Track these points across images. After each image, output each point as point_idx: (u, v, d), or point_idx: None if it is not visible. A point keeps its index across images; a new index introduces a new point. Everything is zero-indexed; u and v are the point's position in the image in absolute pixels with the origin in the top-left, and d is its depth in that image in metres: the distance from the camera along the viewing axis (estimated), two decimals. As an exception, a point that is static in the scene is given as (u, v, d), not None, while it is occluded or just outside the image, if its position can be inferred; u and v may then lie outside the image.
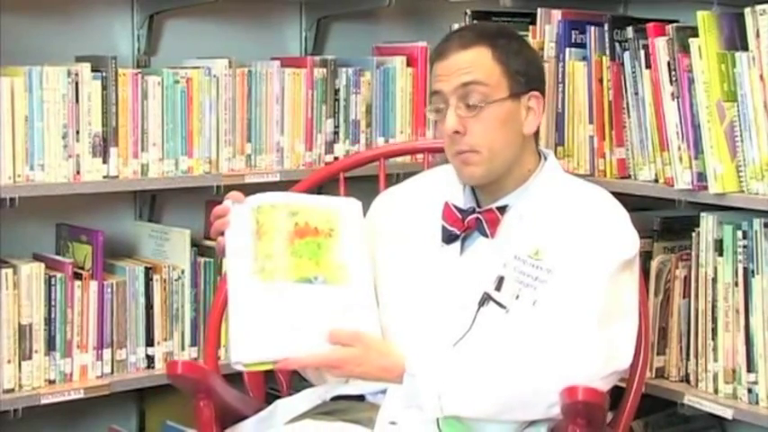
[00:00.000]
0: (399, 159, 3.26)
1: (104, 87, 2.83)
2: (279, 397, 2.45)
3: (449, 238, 2.26)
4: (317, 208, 2.24)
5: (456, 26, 3.11)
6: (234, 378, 2.61)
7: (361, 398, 2.25)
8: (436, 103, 2.25)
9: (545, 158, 2.33)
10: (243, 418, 2.34)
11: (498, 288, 2.19)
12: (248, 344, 2.08)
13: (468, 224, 2.25)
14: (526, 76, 2.25)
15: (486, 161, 2.23)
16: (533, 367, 2.12)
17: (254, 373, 2.50)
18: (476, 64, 2.22)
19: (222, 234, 2.20)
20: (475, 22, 3.08)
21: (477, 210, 2.26)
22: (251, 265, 2.14)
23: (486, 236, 2.23)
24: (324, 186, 3.25)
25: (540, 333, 2.13)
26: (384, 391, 2.18)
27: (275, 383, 2.57)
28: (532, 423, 2.18)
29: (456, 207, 2.27)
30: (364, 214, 2.35)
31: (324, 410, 2.23)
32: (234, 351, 2.09)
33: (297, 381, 2.44)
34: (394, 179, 2.86)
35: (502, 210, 2.24)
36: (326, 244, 2.20)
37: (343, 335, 2.12)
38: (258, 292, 2.13)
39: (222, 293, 2.55)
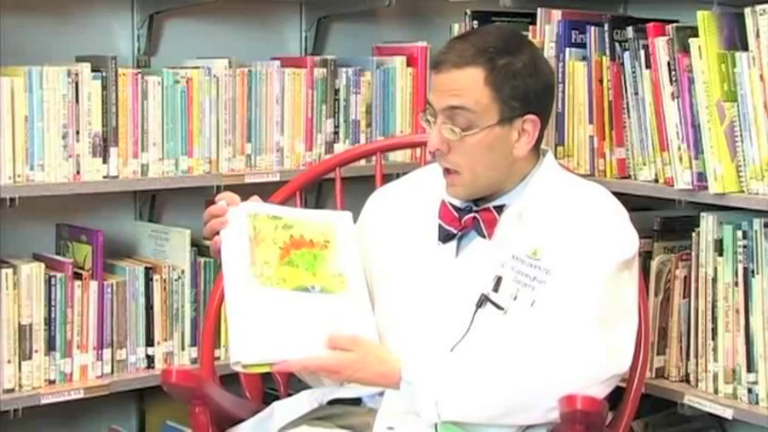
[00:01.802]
0: (399, 159, 3.26)
1: (104, 87, 2.83)
2: (277, 397, 2.45)
3: (445, 237, 2.25)
4: (310, 222, 2.25)
5: (456, 26, 3.13)
6: (231, 379, 2.61)
7: (358, 401, 2.24)
8: (428, 114, 2.22)
9: (543, 156, 2.30)
10: (240, 420, 2.34)
11: (496, 289, 2.18)
12: (248, 345, 2.08)
13: (464, 223, 2.23)
14: (523, 99, 2.18)
15: (468, 183, 2.20)
16: (531, 371, 2.10)
17: (251, 373, 2.50)
18: (466, 88, 2.16)
19: (217, 234, 2.19)
20: (475, 23, 3.07)
21: (475, 209, 2.24)
22: (249, 268, 2.14)
23: (483, 236, 2.22)
24: (322, 186, 3.26)
25: (539, 335, 2.12)
26: (381, 394, 2.18)
27: (273, 384, 2.57)
28: (531, 427, 2.17)
29: (453, 206, 2.25)
30: (361, 212, 2.36)
31: (320, 415, 2.22)
32: (233, 351, 2.09)
33: (295, 381, 2.44)
34: (393, 179, 2.86)
35: (499, 209, 2.22)
36: (322, 255, 2.21)
37: (341, 339, 2.12)
38: (257, 295, 2.13)
39: (216, 299, 2.55)
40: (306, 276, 2.17)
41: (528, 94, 2.18)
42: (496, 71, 2.16)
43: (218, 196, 2.23)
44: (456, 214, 2.25)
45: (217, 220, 2.19)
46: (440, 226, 2.26)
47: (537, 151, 2.29)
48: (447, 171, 2.22)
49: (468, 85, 2.16)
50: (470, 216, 2.23)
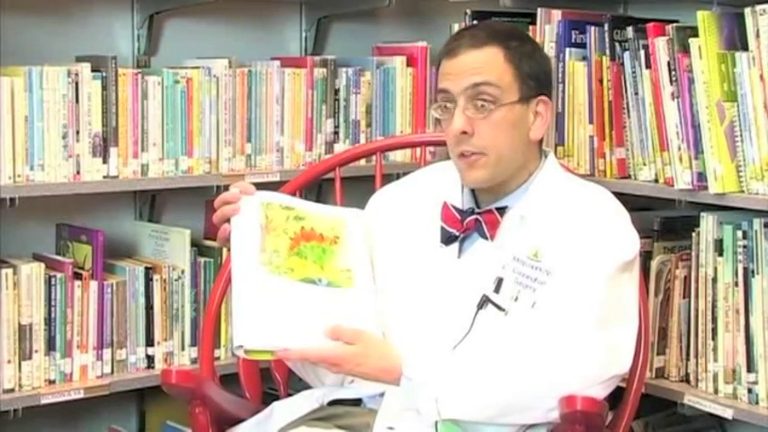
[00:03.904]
0: (399, 159, 3.26)
1: (104, 87, 2.83)
2: (277, 398, 2.45)
3: (447, 239, 2.24)
4: (322, 216, 2.25)
5: (456, 26, 3.12)
6: (231, 379, 2.61)
7: (358, 402, 2.24)
8: (443, 102, 2.21)
9: (545, 157, 2.30)
10: (240, 420, 2.34)
11: (497, 290, 2.18)
12: (252, 330, 2.08)
13: (467, 225, 2.23)
14: (537, 80, 2.21)
15: (493, 164, 2.20)
16: (531, 371, 2.10)
17: (250, 372, 2.51)
18: (488, 64, 2.18)
19: (227, 221, 2.18)
20: (475, 23, 3.07)
21: (477, 210, 2.24)
22: (259, 255, 2.14)
23: (485, 238, 2.21)
24: (322, 186, 3.26)
25: (539, 336, 2.12)
26: (382, 395, 2.18)
27: (273, 384, 2.57)
28: (531, 426, 2.17)
29: (455, 207, 2.25)
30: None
31: (320, 416, 2.22)
32: (236, 336, 2.08)
33: (295, 381, 2.45)
34: (393, 179, 2.86)
35: (501, 210, 2.22)
36: (331, 250, 2.21)
37: (345, 332, 2.12)
38: (265, 281, 2.13)
39: (216, 299, 2.57)
40: (314, 269, 2.18)
41: (540, 74, 2.23)
42: (512, 50, 2.20)
43: (234, 185, 2.22)
44: (458, 216, 2.24)
45: (228, 207, 2.18)
46: (442, 228, 2.25)
47: (540, 152, 2.29)
48: (465, 156, 2.20)
49: (490, 61, 2.19)
50: (472, 218, 2.23)
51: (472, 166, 2.21)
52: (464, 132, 2.18)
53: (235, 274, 2.14)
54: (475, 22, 3.08)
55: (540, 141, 2.28)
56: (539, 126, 2.23)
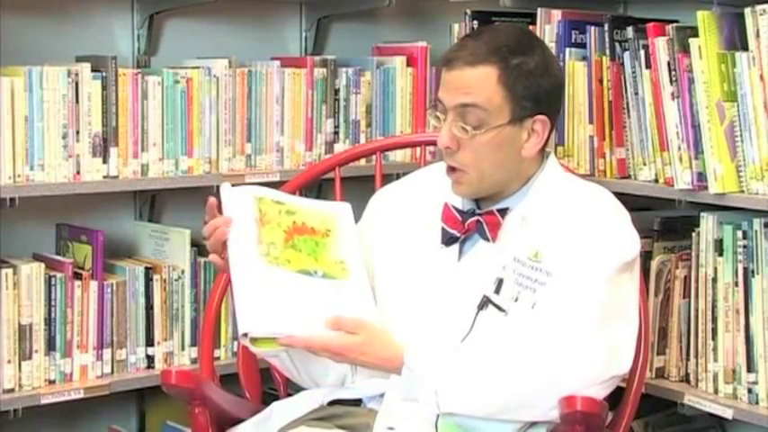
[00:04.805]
0: (399, 159, 3.26)
1: (104, 87, 2.83)
2: (276, 398, 2.45)
3: (448, 240, 2.24)
4: (312, 210, 2.26)
5: (456, 27, 3.12)
6: (231, 379, 2.61)
7: (358, 402, 2.24)
8: (437, 110, 2.21)
9: (546, 158, 2.30)
10: (240, 420, 2.34)
11: (497, 291, 2.17)
12: (257, 315, 2.08)
13: (468, 227, 2.22)
14: (534, 100, 2.17)
15: (476, 182, 2.20)
16: (532, 371, 2.11)
17: (250, 372, 2.51)
18: (479, 86, 2.14)
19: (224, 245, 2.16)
20: (475, 23, 3.07)
21: (478, 212, 2.23)
22: (256, 247, 2.15)
23: (486, 239, 2.21)
24: (322, 186, 3.26)
25: (539, 336, 2.12)
26: (382, 395, 2.18)
27: (273, 384, 2.57)
28: (532, 426, 2.17)
29: (456, 208, 2.25)
30: (362, 212, 2.36)
31: (320, 416, 2.22)
32: (241, 323, 2.08)
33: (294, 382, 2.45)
34: (393, 179, 2.86)
35: (502, 212, 2.21)
36: (324, 243, 2.22)
37: (346, 322, 2.12)
38: (264, 272, 2.13)
39: (216, 299, 2.57)
40: (309, 261, 2.18)
41: (539, 94, 2.18)
42: (510, 70, 2.15)
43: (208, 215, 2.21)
44: (459, 217, 2.23)
45: (220, 230, 2.14)
46: (442, 229, 2.24)
47: (541, 153, 2.28)
48: (452, 169, 2.21)
49: (480, 83, 2.15)
50: (473, 219, 2.22)
51: (457, 181, 2.22)
52: (449, 147, 2.18)
53: (234, 265, 2.14)
54: (475, 22, 3.07)
55: (545, 144, 2.27)
56: (532, 145, 2.20)
